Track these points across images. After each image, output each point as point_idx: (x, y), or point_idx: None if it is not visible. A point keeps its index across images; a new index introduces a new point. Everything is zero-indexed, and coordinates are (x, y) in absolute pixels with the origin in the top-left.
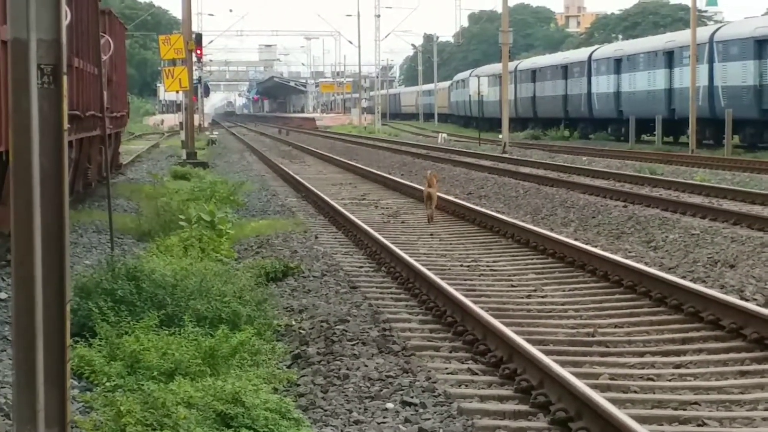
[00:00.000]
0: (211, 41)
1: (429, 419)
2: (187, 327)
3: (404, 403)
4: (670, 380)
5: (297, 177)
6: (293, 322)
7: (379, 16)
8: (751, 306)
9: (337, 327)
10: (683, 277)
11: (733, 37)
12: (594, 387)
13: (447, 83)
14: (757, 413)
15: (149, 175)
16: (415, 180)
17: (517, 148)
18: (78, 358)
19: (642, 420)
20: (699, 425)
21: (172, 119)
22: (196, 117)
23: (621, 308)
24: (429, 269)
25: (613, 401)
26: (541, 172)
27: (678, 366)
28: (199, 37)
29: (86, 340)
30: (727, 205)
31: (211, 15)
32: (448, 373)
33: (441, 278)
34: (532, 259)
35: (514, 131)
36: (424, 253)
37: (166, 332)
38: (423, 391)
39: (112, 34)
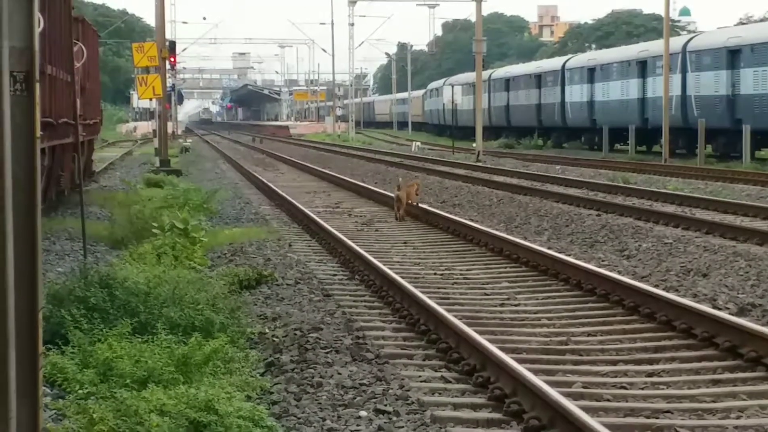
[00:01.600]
0: (185, 49)
1: (402, 427)
2: (160, 335)
3: (378, 411)
4: (642, 388)
5: (271, 185)
6: (267, 330)
7: (353, 24)
8: (723, 315)
9: (311, 335)
10: (656, 286)
11: (706, 47)
12: (567, 395)
13: (421, 92)
14: (729, 422)
15: (122, 182)
16: (389, 188)
17: (491, 157)
18: (50, 366)
19: (615, 428)
20: None
21: (146, 127)
22: (170, 125)
23: (594, 317)
24: (402, 277)
25: (586, 409)
26: (514, 180)
27: (651, 374)
28: (172, 44)
29: (59, 347)
30: (700, 214)
31: (185, 23)
32: (421, 381)
33: (414, 286)
34: (505, 267)
35: (488, 140)
36: (398, 261)
37: (139, 340)
38: (396, 399)
39: (85, 42)
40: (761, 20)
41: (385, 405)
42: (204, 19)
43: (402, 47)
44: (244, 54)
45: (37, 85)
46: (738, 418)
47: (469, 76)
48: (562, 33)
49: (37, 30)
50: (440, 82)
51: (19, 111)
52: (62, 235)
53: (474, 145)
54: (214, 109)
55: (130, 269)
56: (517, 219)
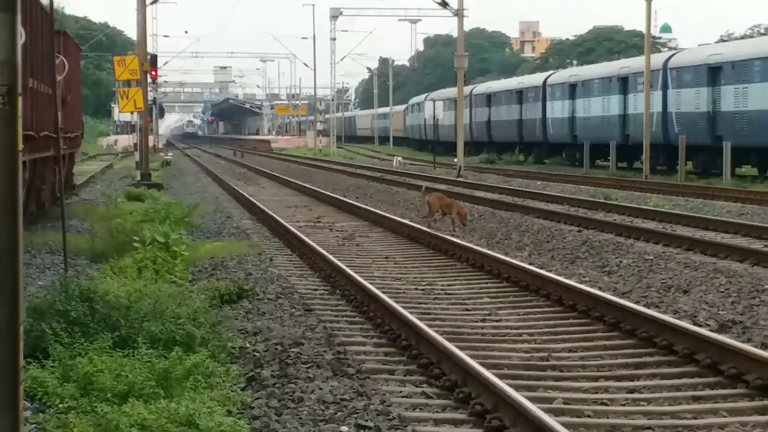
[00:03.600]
0: (166, 62)
1: None
2: (141, 349)
3: (359, 427)
4: (623, 405)
5: (252, 199)
6: (248, 345)
7: (334, 39)
8: (704, 331)
9: (292, 350)
10: (637, 302)
11: (687, 63)
12: (548, 411)
13: (402, 107)
14: None
15: (103, 196)
16: (370, 203)
17: (472, 172)
18: (31, 380)
19: None
20: None
21: (127, 140)
22: (151, 138)
23: (575, 333)
24: (384, 292)
25: (567, 426)
26: (495, 196)
27: (632, 391)
28: (154, 58)
29: (39, 361)
30: (681, 230)
31: (167, 36)
32: (402, 397)
33: (396, 301)
34: (486, 283)
35: (469, 155)
36: (379, 276)
37: (120, 354)
38: (377, 415)
39: (66, 55)
40: (742, 37)
41: (366, 420)
42: (186, 33)
43: (384, 62)
44: (225, 68)
45: (20, 99)
46: None
47: (450, 92)
48: (544, 49)
49: (19, 43)
50: (422, 97)
51: (1, 124)
52: (43, 248)
53: (455, 160)
54: (197, 122)
55: (111, 283)
56: (498, 234)
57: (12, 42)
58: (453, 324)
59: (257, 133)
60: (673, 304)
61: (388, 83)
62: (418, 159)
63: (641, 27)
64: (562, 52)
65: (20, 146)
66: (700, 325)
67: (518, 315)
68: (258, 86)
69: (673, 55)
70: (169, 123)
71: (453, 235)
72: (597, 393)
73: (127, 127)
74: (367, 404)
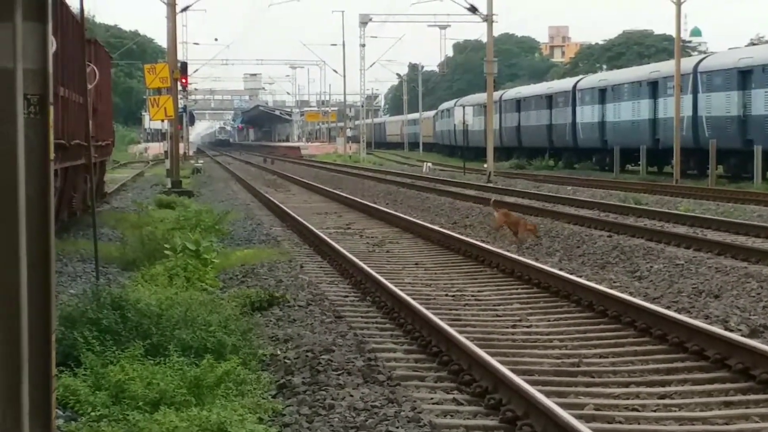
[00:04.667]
0: (196, 70)
1: None
2: (172, 356)
3: None
4: (655, 411)
5: (282, 206)
6: (278, 352)
7: (364, 45)
8: (735, 336)
9: (323, 357)
10: (668, 308)
11: (717, 67)
12: (579, 417)
13: (432, 112)
14: None
15: (134, 203)
16: (400, 209)
17: (502, 178)
18: (63, 388)
19: None
20: None
21: (157, 148)
22: (181, 146)
23: (606, 338)
24: (414, 299)
25: None
26: (526, 201)
27: (663, 396)
28: (184, 65)
29: (71, 369)
30: (712, 235)
31: (197, 44)
32: (433, 403)
33: (426, 308)
34: (517, 288)
35: (499, 160)
36: (409, 283)
37: (151, 362)
38: (408, 422)
39: (97, 63)
40: None
41: (397, 427)
42: (216, 40)
43: (413, 68)
44: (255, 75)
45: (51, 108)
46: None
47: (480, 97)
48: (573, 53)
49: (51, 52)
50: (451, 102)
51: (33, 133)
52: (74, 256)
53: (485, 165)
54: (228, 128)
55: (142, 291)
56: (528, 240)
57: (43, 51)
58: (483, 330)
59: (287, 140)
60: (704, 309)
61: (418, 89)
62: (448, 165)
63: (671, 31)
64: (591, 57)
65: (52, 155)
66: (731, 330)
67: (549, 321)
68: (288, 93)
69: (703, 58)
70: (200, 130)
71: (484, 241)
72: (628, 399)
73: (158, 135)
74: (397, 411)
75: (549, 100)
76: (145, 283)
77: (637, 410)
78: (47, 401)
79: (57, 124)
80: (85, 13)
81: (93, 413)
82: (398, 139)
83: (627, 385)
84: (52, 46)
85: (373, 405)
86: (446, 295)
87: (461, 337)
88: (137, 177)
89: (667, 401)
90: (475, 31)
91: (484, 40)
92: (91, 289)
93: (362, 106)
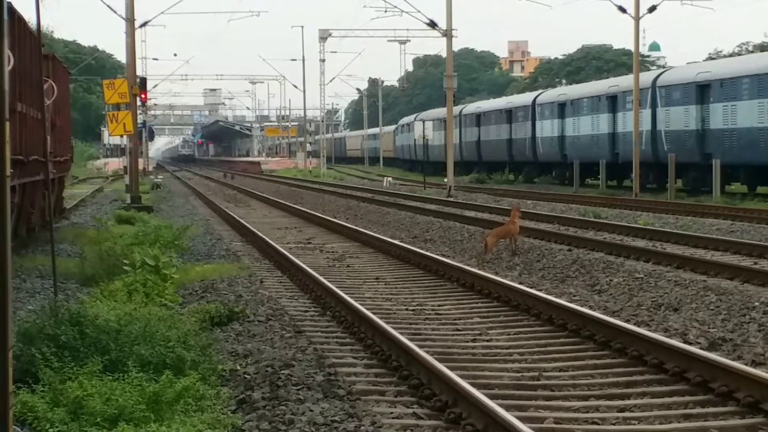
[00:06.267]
0: (156, 85)
1: None
2: (131, 372)
3: None
4: (614, 424)
5: (242, 221)
6: (238, 367)
7: (323, 60)
8: (694, 349)
9: (282, 372)
10: (627, 321)
11: (676, 82)
12: (539, 431)
13: (392, 127)
14: None
15: (93, 219)
16: (361, 224)
17: (462, 192)
18: (21, 405)
19: None
20: None
21: (117, 163)
22: (141, 161)
23: (566, 352)
24: (374, 313)
25: None
26: (486, 215)
27: (622, 409)
28: (143, 81)
29: (29, 386)
30: (671, 248)
31: (156, 59)
32: (393, 418)
33: (386, 322)
34: (477, 302)
35: (459, 175)
36: (370, 297)
37: (110, 378)
38: None
39: (55, 79)
40: (730, 55)
41: None
42: (175, 55)
43: (373, 83)
44: (215, 90)
45: (7, 124)
46: None
47: (440, 112)
48: (533, 68)
49: (7, 68)
50: (411, 117)
51: None
52: (33, 272)
53: (445, 180)
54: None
55: (101, 306)
56: (488, 254)
57: None
58: (443, 344)
59: (247, 155)
60: (663, 323)
61: (378, 104)
62: (409, 179)
63: (630, 45)
64: (551, 72)
65: (8, 171)
66: (690, 343)
67: (509, 335)
68: (248, 108)
69: (661, 73)
70: (160, 145)
71: (444, 256)
72: (588, 412)
73: (117, 151)
74: (357, 426)
75: (509, 115)
76: (104, 299)
77: (597, 423)
78: (4, 418)
79: (14, 139)
80: (43, 28)
81: (51, 430)
82: (359, 154)
83: (587, 398)
84: (9, 61)
85: (333, 420)
86: (407, 309)
87: (421, 352)
88: (96, 192)
89: (626, 414)
90: (435, 46)
91: (444, 55)
92: (49, 305)
93: (322, 121)
